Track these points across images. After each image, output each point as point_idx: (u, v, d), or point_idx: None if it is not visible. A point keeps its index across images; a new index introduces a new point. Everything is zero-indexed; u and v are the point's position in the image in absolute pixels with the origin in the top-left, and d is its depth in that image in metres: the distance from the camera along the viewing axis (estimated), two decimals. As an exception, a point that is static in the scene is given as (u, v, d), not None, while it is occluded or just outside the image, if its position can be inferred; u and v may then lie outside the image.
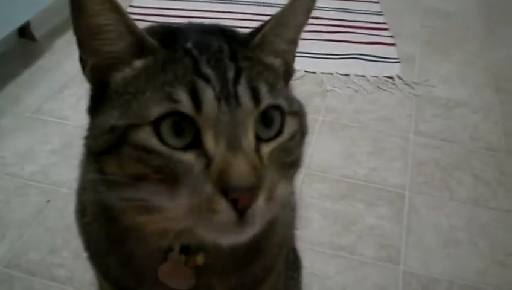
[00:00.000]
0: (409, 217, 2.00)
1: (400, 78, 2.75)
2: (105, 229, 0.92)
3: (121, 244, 0.91)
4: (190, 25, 0.91)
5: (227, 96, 0.74)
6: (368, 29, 3.15)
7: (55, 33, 2.83)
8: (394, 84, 2.71)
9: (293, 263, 1.38)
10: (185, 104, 0.73)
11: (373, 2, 3.47)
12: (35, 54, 2.77)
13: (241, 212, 0.72)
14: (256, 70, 0.79)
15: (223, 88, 0.74)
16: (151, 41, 0.79)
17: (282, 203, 0.98)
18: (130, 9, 3.18)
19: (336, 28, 3.13)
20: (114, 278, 0.97)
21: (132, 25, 0.79)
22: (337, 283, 1.76)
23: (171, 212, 0.74)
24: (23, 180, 2.06)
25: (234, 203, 0.71)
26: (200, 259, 0.89)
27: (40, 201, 1.98)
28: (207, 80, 0.74)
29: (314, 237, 1.88)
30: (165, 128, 0.74)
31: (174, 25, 0.89)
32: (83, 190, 0.97)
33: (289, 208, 1.03)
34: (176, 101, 0.73)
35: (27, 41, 2.86)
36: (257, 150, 0.75)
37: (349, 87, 2.68)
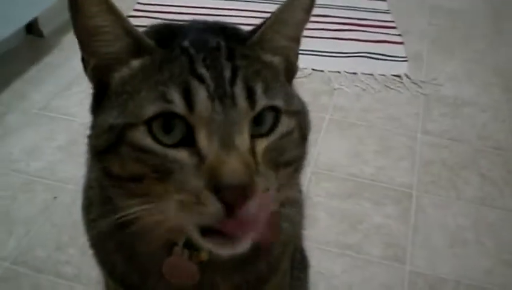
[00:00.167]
0: (416, 217, 1.99)
1: (407, 76, 2.74)
2: (110, 226, 0.92)
3: (126, 241, 0.91)
4: (192, 23, 0.92)
5: (222, 96, 0.74)
6: (376, 28, 3.14)
7: (63, 30, 2.83)
8: (402, 82, 2.70)
9: (300, 263, 1.38)
10: (178, 104, 0.74)
11: (380, 0, 3.46)
12: (43, 51, 2.78)
13: (233, 209, 0.71)
14: (253, 69, 0.79)
15: (218, 88, 0.75)
16: (148, 41, 0.80)
17: (288, 201, 0.98)
18: (137, 6, 3.19)
19: (344, 26, 3.13)
20: (119, 275, 0.97)
21: (129, 25, 0.79)
22: (343, 282, 1.76)
23: (166, 210, 0.75)
24: (30, 176, 2.07)
25: (225, 200, 0.71)
26: (204, 255, 0.89)
27: (46, 198, 1.98)
28: (201, 79, 0.75)
29: (321, 235, 1.87)
30: (158, 126, 0.75)
31: (176, 24, 0.90)
32: (89, 186, 0.98)
33: (295, 206, 1.02)
34: (169, 101, 0.74)
35: (35, 38, 2.88)
36: (251, 149, 0.75)
37: (357, 86, 2.67)
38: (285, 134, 0.80)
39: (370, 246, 1.87)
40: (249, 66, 0.79)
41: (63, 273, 1.73)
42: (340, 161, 2.21)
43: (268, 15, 0.84)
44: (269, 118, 0.79)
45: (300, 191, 1.10)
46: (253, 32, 0.85)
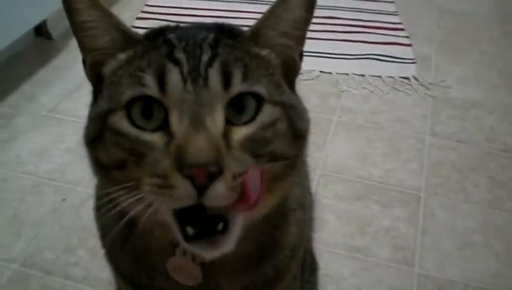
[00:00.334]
0: (425, 219, 1.99)
1: (415, 78, 2.73)
2: (117, 224, 0.93)
3: (133, 240, 0.91)
4: (192, 23, 0.95)
5: (195, 77, 0.76)
6: (384, 29, 3.13)
7: (71, 32, 2.81)
8: (410, 84, 2.70)
9: (310, 266, 1.37)
10: (152, 87, 0.76)
11: (388, 1, 3.45)
12: (52, 53, 2.79)
13: (200, 190, 0.72)
14: (234, 56, 0.80)
15: (193, 70, 0.76)
16: (135, 34, 0.84)
17: (295, 204, 0.98)
18: (145, 8, 3.19)
19: (352, 28, 3.11)
20: (129, 276, 0.98)
21: (115, 20, 0.83)
22: (352, 284, 1.76)
23: (145, 197, 0.75)
24: (39, 178, 2.07)
25: (191, 179, 0.71)
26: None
27: (55, 200, 1.98)
28: (176, 62, 0.77)
29: (329, 238, 1.87)
30: (136, 111, 0.77)
31: (174, 25, 0.92)
32: (99, 186, 0.99)
33: (303, 209, 1.02)
34: (143, 85, 0.76)
35: (43, 40, 2.88)
36: (225, 134, 0.75)
37: (365, 88, 2.67)
38: (269, 124, 0.79)
39: (378, 249, 1.87)
40: (231, 54, 0.80)
41: (72, 275, 1.73)
42: (348, 163, 2.21)
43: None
44: (250, 105, 0.79)
45: (310, 194, 1.10)
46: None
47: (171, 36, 0.82)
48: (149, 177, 0.74)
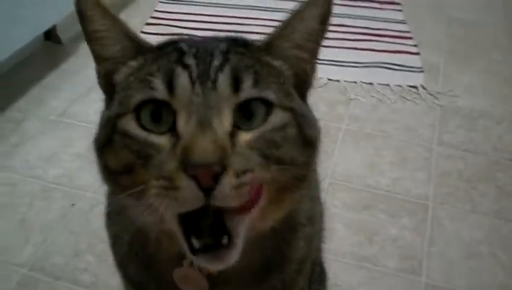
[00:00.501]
0: (432, 229, 1.99)
1: (423, 87, 2.73)
2: (126, 232, 0.93)
3: (142, 248, 0.93)
4: (209, 37, 0.95)
5: (204, 81, 0.76)
6: (392, 38, 3.13)
7: (81, 37, 2.76)
8: (418, 93, 2.70)
9: (319, 275, 1.38)
10: (160, 90, 0.77)
11: (396, 10, 3.46)
12: (61, 57, 2.80)
13: (206, 191, 0.72)
14: (246, 64, 0.80)
15: (203, 74, 0.77)
16: (146, 43, 0.86)
17: (304, 218, 0.98)
18: (155, 14, 3.20)
19: (360, 36, 3.12)
20: (137, 284, 0.99)
21: (126, 29, 0.85)
22: (359, 294, 1.77)
23: (152, 202, 0.76)
24: (48, 183, 2.08)
25: (196, 179, 0.71)
26: None
27: (64, 205, 1.99)
28: (185, 66, 0.78)
29: (337, 247, 1.87)
30: (145, 115, 0.78)
31: (191, 37, 0.93)
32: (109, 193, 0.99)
33: (312, 223, 1.01)
34: (152, 88, 0.77)
35: (53, 44, 2.89)
36: (232, 136, 0.76)
37: (373, 96, 2.67)
38: (278, 127, 0.79)
39: (386, 258, 1.87)
40: (242, 61, 0.80)
41: (81, 280, 1.74)
42: (356, 172, 2.22)
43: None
44: (260, 111, 0.79)
45: (320, 203, 1.10)
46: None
47: (182, 44, 0.83)
48: (155, 180, 0.74)
